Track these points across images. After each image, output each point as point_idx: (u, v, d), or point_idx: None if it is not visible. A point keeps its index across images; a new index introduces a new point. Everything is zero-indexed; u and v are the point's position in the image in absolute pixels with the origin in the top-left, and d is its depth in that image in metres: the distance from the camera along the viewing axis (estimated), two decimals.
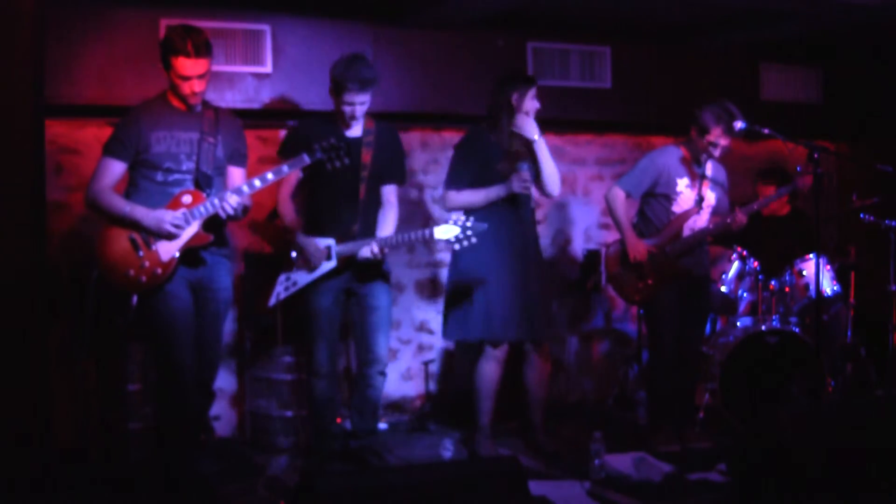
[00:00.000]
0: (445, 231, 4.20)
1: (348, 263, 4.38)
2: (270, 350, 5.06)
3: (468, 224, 4.19)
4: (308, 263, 4.35)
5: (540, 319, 4.62)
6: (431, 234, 4.22)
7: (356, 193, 4.39)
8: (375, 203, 4.49)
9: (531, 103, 4.58)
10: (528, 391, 4.80)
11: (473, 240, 4.20)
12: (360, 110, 4.34)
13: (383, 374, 4.54)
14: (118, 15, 4.81)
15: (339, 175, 4.27)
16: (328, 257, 4.35)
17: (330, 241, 4.36)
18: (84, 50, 4.75)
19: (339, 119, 4.41)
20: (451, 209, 4.68)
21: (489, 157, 4.57)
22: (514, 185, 4.48)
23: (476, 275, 4.58)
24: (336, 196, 4.40)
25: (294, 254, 4.38)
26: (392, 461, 4.60)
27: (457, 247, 4.23)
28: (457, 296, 4.66)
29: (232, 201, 3.93)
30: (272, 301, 4.40)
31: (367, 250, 4.26)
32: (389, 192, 4.54)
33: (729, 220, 4.84)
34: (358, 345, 4.56)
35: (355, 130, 4.43)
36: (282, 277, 4.39)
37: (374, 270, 4.48)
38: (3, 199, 3.04)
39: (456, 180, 4.62)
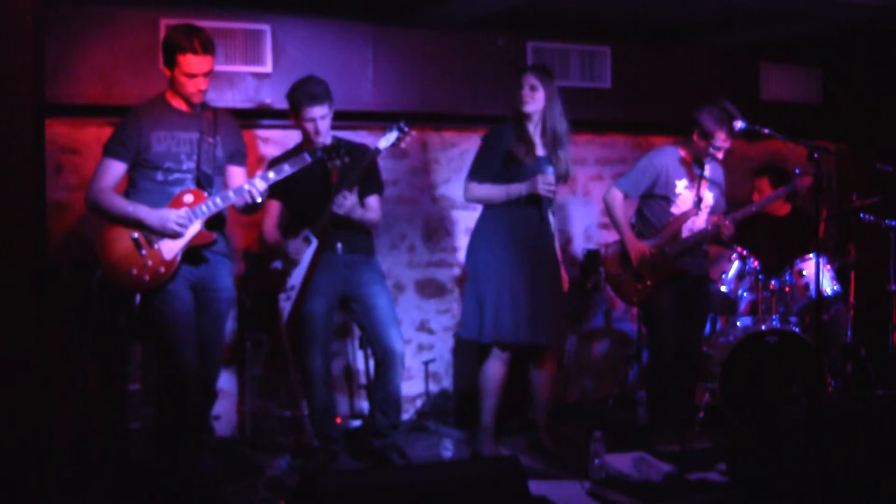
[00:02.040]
0: (387, 139, 4.32)
1: (335, 239, 4.45)
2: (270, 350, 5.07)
3: (403, 125, 4.30)
4: (292, 260, 4.39)
5: (550, 322, 4.60)
6: (377, 148, 4.33)
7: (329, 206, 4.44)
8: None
9: (526, 90, 4.54)
10: (533, 391, 4.80)
11: (413, 133, 4.34)
12: (322, 125, 4.42)
13: (402, 367, 4.57)
14: (118, 15, 4.81)
15: (312, 196, 4.41)
16: (307, 242, 4.40)
17: (305, 231, 4.42)
18: (84, 50, 4.75)
19: (305, 143, 4.49)
20: (470, 200, 4.70)
21: (512, 153, 4.55)
22: (538, 187, 4.44)
23: (489, 274, 4.57)
24: (311, 212, 4.44)
25: (279, 264, 4.42)
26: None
27: (402, 145, 4.35)
28: (470, 294, 4.66)
29: (260, 186, 3.96)
30: (286, 318, 4.43)
31: (339, 200, 4.30)
32: (372, 201, 4.62)
33: (711, 229, 4.83)
34: (373, 345, 4.59)
35: None
36: (281, 296, 4.44)
37: (366, 270, 4.55)
38: (3, 199, 3.03)
39: (479, 172, 4.60)
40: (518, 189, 4.50)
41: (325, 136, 4.45)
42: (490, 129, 4.69)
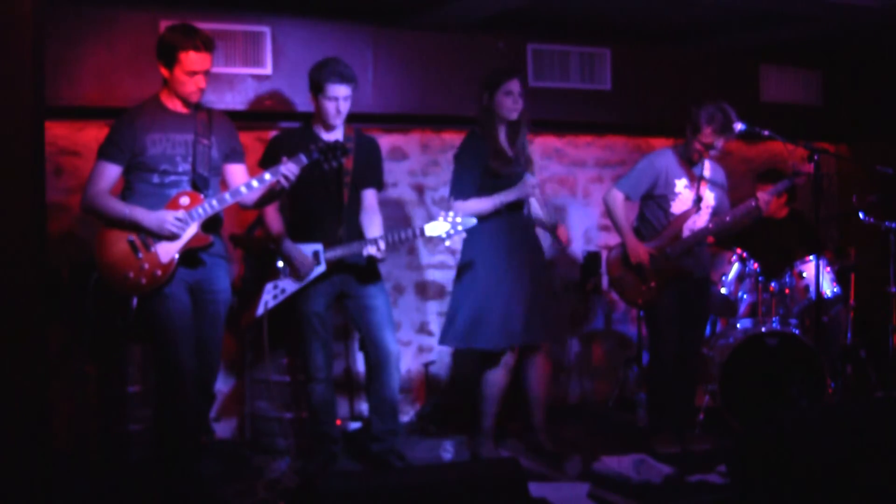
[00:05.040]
0: (435, 228, 4.27)
1: (338, 267, 4.40)
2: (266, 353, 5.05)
3: (458, 220, 4.25)
4: (296, 271, 4.36)
5: (542, 321, 4.60)
6: (422, 231, 4.29)
7: (340, 198, 4.44)
8: (357, 208, 4.53)
9: (504, 98, 4.54)
10: (528, 391, 4.79)
11: (463, 234, 4.30)
12: (343, 106, 4.38)
13: (397, 369, 4.54)
14: (118, 16, 4.81)
15: (323, 181, 4.37)
16: (317, 262, 4.37)
17: (318, 247, 4.38)
18: (84, 51, 4.75)
19: (321, 122, 4.45)
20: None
21: (491, 168, 4.55)
22: (528, 190, 4.50)
23: (480, 281, 4.56)
24: (320, 202, 4.44)
25: (280, 263, 4.39)
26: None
27: (448, 243, 4.31)
28: (461, 303, 4.62)
29: (294, 170, 3.90)
30: (260, 311, 4.38)
31: (373, 248, 4.28)
32: (370, 197, 4.57)
33: (754, 204, 4.83)
34: (367, 346, 4.57)
35: (335, 136, 4.45)
36: (268, 286, 4.39)
37: (366, 271, 4.50)
38: (3, 201, 3.03)
39: (461, 190, 4.57)
40: (505, 196, 4.51)
41: (340, 128, 4.44)
42: (463, 144, 4.65)
